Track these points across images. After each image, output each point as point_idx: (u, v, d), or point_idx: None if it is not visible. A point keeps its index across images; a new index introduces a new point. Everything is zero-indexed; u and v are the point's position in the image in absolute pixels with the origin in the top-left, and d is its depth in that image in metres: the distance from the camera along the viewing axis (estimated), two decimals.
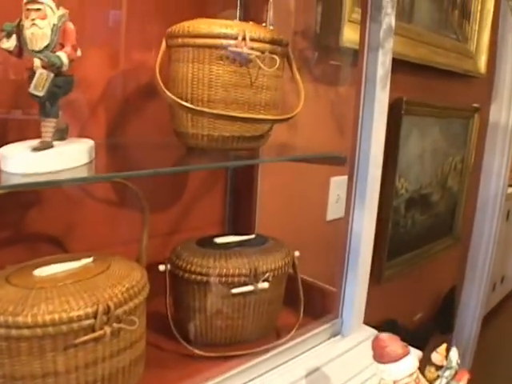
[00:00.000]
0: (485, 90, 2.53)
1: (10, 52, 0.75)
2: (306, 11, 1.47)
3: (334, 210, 1.70)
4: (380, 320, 2.03)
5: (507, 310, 3.71)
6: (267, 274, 1.03)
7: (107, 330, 0.77)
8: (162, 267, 1.04)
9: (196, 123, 0.94)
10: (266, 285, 1.02)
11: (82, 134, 1.02)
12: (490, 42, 2.34)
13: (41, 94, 0.73)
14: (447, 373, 0.90)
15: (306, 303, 1.15)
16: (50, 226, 1.02)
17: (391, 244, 2.00)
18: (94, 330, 0.76)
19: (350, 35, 1.49)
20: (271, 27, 1.24)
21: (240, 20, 1.24)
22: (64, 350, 0.75)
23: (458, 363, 0.91)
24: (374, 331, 1.22)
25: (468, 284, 2.85)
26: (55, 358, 0.74)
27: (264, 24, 1.23)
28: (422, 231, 2.26)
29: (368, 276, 1.20)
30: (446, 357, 0.91)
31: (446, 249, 2.52)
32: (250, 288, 1.01)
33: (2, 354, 0.73)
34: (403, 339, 0.94)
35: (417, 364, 0.89)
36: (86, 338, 0.75)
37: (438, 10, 2.02)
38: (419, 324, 2.48)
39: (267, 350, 1.03)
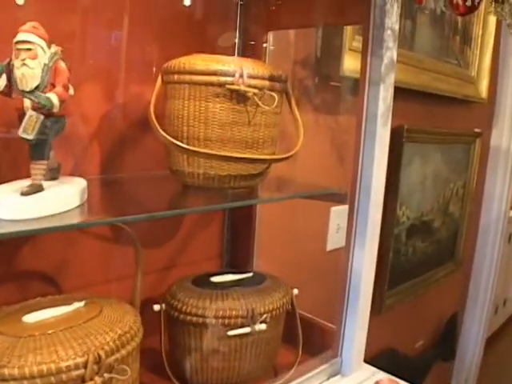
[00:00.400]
0: (486, 115, 2.52)
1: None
2: (306, 39, 1.45)
3: (335, 240, 1.67)
4: (380, 349, 2.00)
5: (510, 332, 3.66)
6: (265, 316, 1.00)
7: (98, 380, 0.73)
8: (156, 307, 1.02)
9: (192, 162, 0.91)
10: (263, 326, 0.99)
11: (76, 170, 1.00)
12: (491, 67, 2.33)
13: (30, 137, 0.71)
14: None
15: (305, 341, 1.12)
16: (42, 264, 1.00)
17: (392, 273, 1.96)
18: (84, 381, 0.73)
19: (350, 64, 1.48)
20: (272, 47, 1.24)
21: (239, 48, 1.23)
22: None
23: None
24: (374, 370, 1.19)
25: (470, 309, 2.81)
26: None
27: (264, 44, 1.22)
28: (423, 258, 2.23)
29: (368, 314, 1.18)
30: None
31: (448, 275, 2.49)
32: (247, 330, 0.98)
33: None
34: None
35: None
36: None
37: (439, 36, 2.00)
38: (421, 351, 2.44)
39: None
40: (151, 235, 1.14)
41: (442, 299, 2.54)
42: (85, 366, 0.72)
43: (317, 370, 1.11)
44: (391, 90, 1.05)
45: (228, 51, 1.22)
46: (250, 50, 1.23)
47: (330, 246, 1.69)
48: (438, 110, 2.09)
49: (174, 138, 0.90)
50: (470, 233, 2.62)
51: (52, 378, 0.70)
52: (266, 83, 0.91)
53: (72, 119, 0.97)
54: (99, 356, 0.74)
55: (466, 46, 2.18)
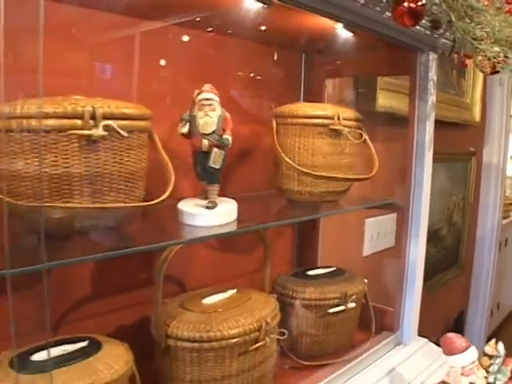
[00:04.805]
0: (480, 136, 2.89)
1: (184, 135, 1.02)
2: (348, 82, 1.78)
3: (369, 247, 2.00)
4: None
5: (504, 335, 3.91)
6: (353, 297, 1.32)
7: (267, 339, 1.04)
8: None
9: (301, 182, 1.22)
10: (353, 304, 1.31)
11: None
12: (482, 95, 2.71)
13: (218, 166, 1.00)
14: (497, 360, 1.20)
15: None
16: (182, 266, 1.29)
17: None
18: (257, 341, 1.03)
19: (382, 101, 1.81)
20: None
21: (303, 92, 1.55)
22: (238, 356, 1.02)
23: (504, 353, 1.21)
24: (426, 340, 1.51)
25: (473, 310, 3.15)
26: (231, 363, 1.02)
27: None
28: (434, 262, 2.56)
29: (420, 296, 1.50)
30: (496, 348, 1.21)
31: (454, 278, 2.83)
32: (342, 308, 1.30)
33: (192, 362, 1.00)
34: None
35: (477, 354, 1.16)
36: (255, 346, 1.02)
37: (442, 71, 2.36)
38: None
39: (351, 359, 1.30)
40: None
41: (450, 299, 2.86)
42: (259, 329, 1.03)
43: (386, 341, 1.42)
44: (433, 125, 1.39)
45: (295, 95, 1.55)
46: (311, 94, 1.56)
47: (365, 252, 2.01)
48: (442, 133, 2.43)
49: (287, 164, 1.21)
50: (470, 240, 2.97)
51: (240, 339, 1.00)
52: (354, 123, 1.23)
53: None
54: (267, 322, 1.04)
55: (461, 78, 2.54)
